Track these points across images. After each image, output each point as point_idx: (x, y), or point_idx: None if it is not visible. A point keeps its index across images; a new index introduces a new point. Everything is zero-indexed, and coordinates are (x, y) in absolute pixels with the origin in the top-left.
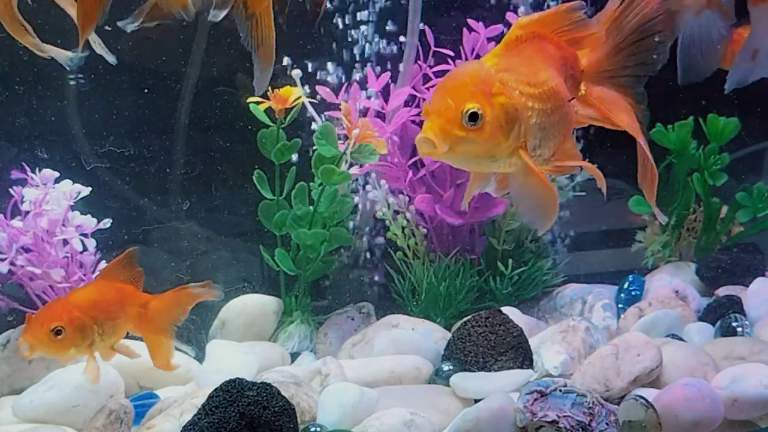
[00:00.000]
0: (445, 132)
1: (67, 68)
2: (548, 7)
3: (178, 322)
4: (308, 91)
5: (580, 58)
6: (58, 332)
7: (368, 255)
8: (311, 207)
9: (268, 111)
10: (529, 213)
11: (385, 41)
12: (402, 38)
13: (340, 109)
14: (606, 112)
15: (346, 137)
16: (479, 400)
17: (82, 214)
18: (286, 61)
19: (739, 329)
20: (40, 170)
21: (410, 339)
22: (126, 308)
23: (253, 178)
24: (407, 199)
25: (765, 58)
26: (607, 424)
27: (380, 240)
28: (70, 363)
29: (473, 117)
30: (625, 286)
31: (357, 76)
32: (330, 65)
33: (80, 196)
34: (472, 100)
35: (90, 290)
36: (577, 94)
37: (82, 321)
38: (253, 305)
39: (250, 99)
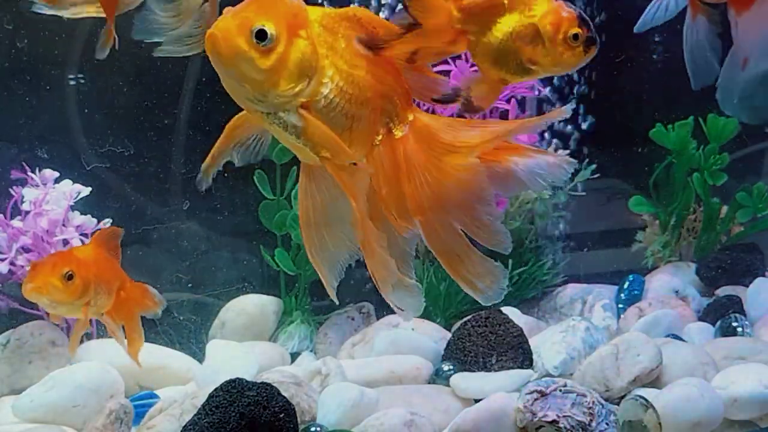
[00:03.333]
0: (229, 33)
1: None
2: None
3: (143, 313)
4: None
5: (411, 103)
6: (69, 277)
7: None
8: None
9: None
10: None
11: None
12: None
13: None
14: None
15: None
16: (479, 400)
17: (82, 214)
18: None
19: (739, 329)
20: (40, 170)
21: (410, 339)
22: (113, 280)
23: (254, 177)
24: None
25: (756, 63)
26: (607, 424)
27: None
28: (69, 360)
29: (262, 35)
30: (625, 286)
31: None
32: None
33: (80, 196)
34: (271, 22)
35: (88, 251)
36: (390, 131)
37: (88, 273)
38: (253, 305)
39: None
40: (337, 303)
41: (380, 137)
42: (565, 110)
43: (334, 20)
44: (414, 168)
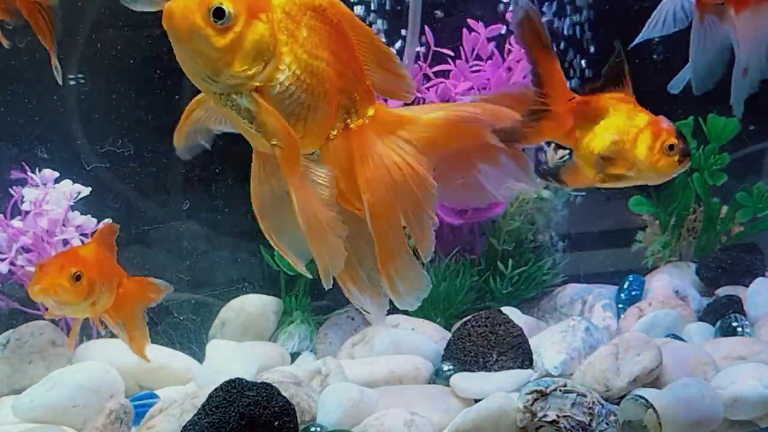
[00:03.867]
0: (186, 10)
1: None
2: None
3: (145, 305)
4: None
5: (374, 100)
6: (77, 278)
7: None
8: None
9: None
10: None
11: (385, 41)
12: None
13: None
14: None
15: None
16: (479, 400)
17: (82, 214)
18: None
19: (739, 329)
20: (40, 170)
21: (410, 339)
22: (114, 277)
23: None
24: None
25: (755, 71)
26: (607, 424)
27: None
28: (68, 358)
29: (219, 13)
30: (625, 286)
31: None
32: None
33: (80, 196)
34: (232, 2)
35: (90, 250)
36: (347, 125)
37: (94, 273)
38: (253, 305)
39: None
40: (311, 276)
41: (336, 131)
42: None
43: (298, 8)
44: (368, 153)
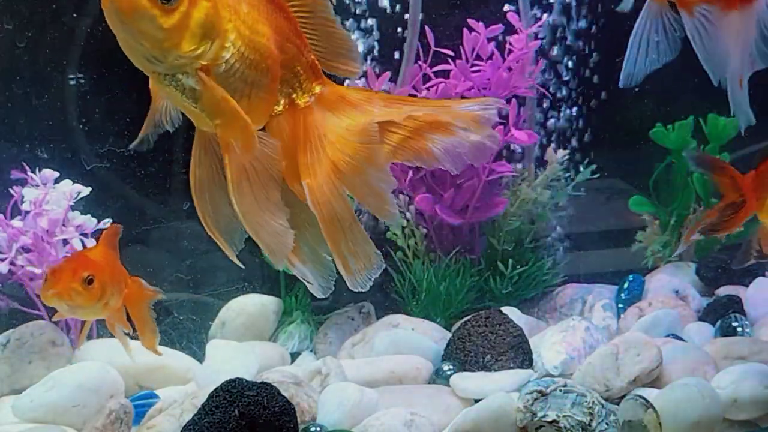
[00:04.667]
0: None
1: None
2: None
3: (150, 304)
4: None
5: (321, 74)
6: (89, 281)
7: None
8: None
9: None
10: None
11: (385, 41)
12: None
13: None
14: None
15: None
16: (479, 400)
17: (82, 214)
18: None
19: (739, 329)
20: (40, 170)
21: (410, 339)
22: (122, 278)
23: None
24: (407, 199)
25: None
26: (607, 424)
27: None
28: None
29: None
30: (625, 286)
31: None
32: None
33: (80, 196)
34: None
35: (98, 252)
36: (293, 100)
37: (104, 275)
38: (253, 305)
39: None
40: (243, 266)
41: (280, 108)
42: (498, 101)
43: None
44: (312, 134)
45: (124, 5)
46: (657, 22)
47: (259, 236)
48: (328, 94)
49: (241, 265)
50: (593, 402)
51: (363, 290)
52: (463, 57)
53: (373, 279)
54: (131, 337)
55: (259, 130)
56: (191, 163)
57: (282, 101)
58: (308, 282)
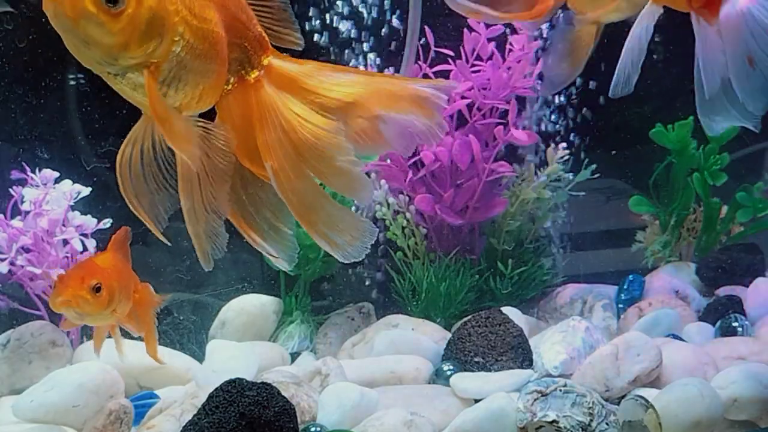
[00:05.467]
0: (74, 2)
1: None
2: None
3: (155, 311)
4: None
5: (268, 47)
6: (98, 289)
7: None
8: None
9: None
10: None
11: (385, 41)
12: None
13: None
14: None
15: None
16: (479, 400)
17: (82, 214)
18: None
19: (739, 329)
20: (40, 170)
21: (410, 339)
22: (131, 284)
23: None
24: (407, 199)
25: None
26: (607, 424)
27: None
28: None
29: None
30: (625, 286)
31: None
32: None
33: (80, 196)
34: None
35: (107, 258)
36: (243, 76)
37: (113, 282)
38: (253, 305)
39: None
40: (170, 243)
41: (230, 86)
42: (454, 85)
43: None
44: (267, 112)
45: (68, 11)
46: (653, 27)
47: (198, 236)
48: (277, 66)
49: (168, 242)
50: (593, 402)
51: (358, 260)
52: (463, 57)
53: (368, 246)
54: (129, 338)
55: (210, 109)
56: (126, 142)
57: (231, 79)
58: (273, 256)
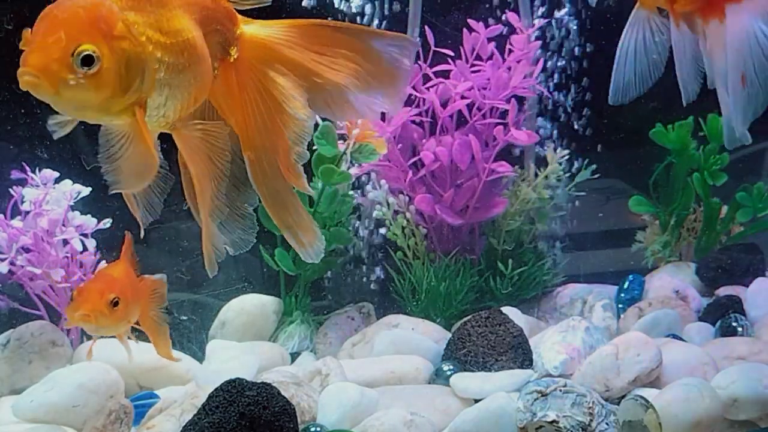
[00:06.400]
0: (51, 73)
1: None
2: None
3: (163, 309)
4: None
5: (238, 18)
6: (116, 304)
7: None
8: (311, 207)
9: None
10: (127, 177)
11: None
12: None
13: None
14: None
15: (346, 137)
16: (479, 400)
17: (82, 214)
18: None
19: (739, 329)
20: (40, 170)
21: (410, 339)
22: (141, 293)
23: None
24: (407, 199)
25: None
26: (607, 424)
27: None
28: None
29: (88, 61)
30: (625, 286)
31: None
32: None
33: (80, 196)
34: (89, 41)
35: (120, 270)
36: (225, 57)
37: (128, 295)
38: (253, 305)
39: None
40: (145, 221)
41: (216, 71)
42: (415, 42)
43: None
44: (249, 99)
45: (47, 85)
46: (645, 29)
47: (208, 231)
48: (249, 36)
49: (143, 221)
50: (593, 402)
51: (314, 262)
52: (463, 57)
53: (321, 250)
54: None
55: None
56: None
57: (215, 64)
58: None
